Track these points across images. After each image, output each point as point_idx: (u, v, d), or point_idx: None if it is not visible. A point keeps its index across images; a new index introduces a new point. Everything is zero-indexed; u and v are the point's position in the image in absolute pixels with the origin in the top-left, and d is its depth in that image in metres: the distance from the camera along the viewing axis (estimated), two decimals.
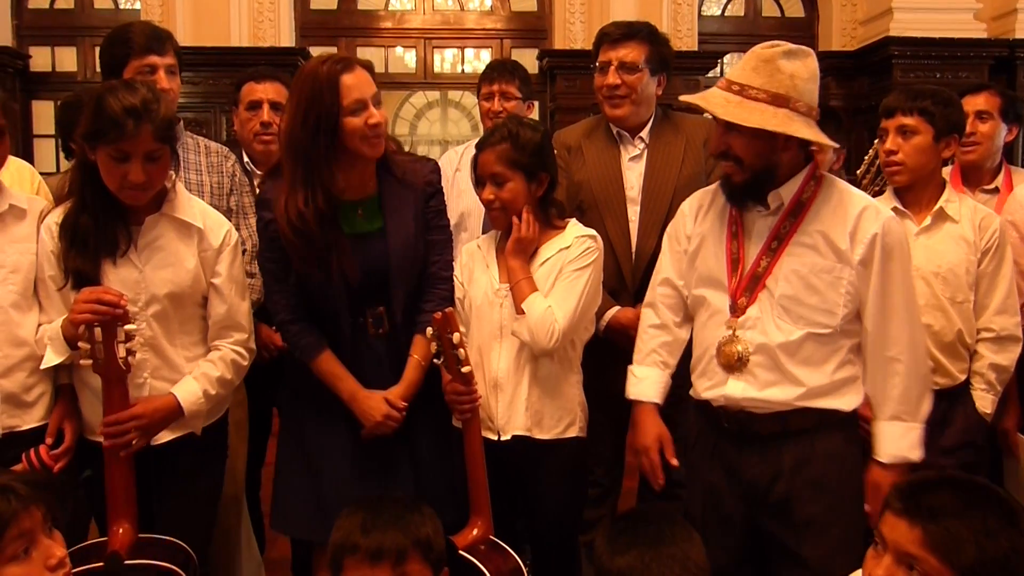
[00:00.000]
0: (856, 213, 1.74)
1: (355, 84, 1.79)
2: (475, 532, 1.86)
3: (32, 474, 1.34)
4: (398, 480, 1.95)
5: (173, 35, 2.31)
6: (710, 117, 1.83)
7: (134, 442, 1.77)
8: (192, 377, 1.87)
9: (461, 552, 1.81)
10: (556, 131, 2.61)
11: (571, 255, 1.99)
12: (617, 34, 2.38)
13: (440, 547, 1.52)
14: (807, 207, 1.77)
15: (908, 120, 2.16)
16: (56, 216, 1.85)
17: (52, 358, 1.79)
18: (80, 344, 1.69)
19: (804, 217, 1.77)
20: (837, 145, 1.81)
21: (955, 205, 2.20)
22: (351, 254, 1.87)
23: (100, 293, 1.69)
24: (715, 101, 1.72)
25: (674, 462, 1.95)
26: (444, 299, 1.99)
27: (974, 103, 2.60)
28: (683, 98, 1.85)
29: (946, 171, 2.84)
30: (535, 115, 5.21)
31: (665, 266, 2.00)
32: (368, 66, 1.87)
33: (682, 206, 2.00)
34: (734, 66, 1.79)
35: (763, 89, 1.69)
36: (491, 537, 1.88)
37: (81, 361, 1.70)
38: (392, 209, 1.92)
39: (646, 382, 1.99)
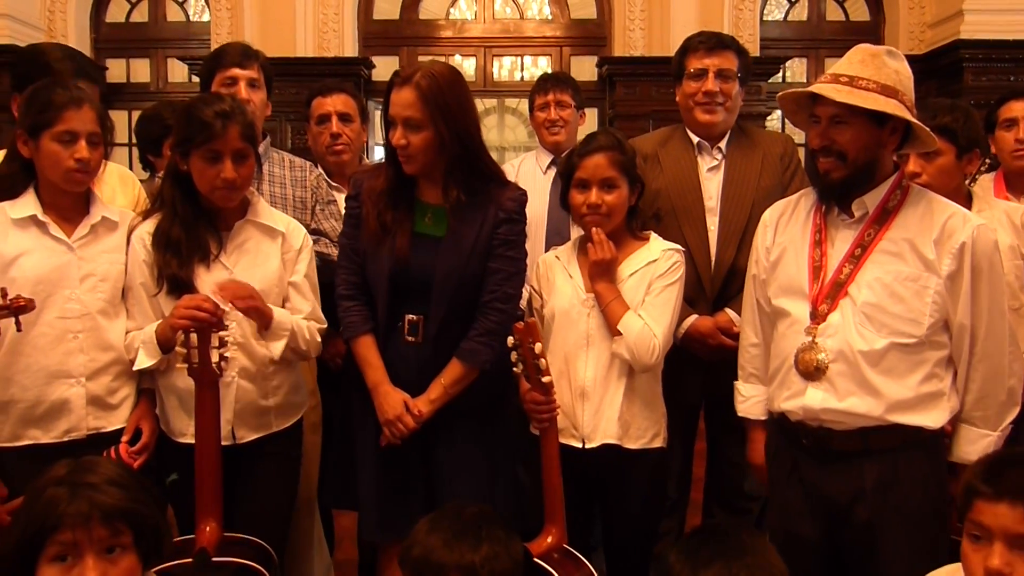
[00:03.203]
0: (942, 220, 1.71)
1: (392, 102, 1.89)
2: (549, 540, 1.88)
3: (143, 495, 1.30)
4: (422, 482, 1.96)
5: (262, 53, 2.42)
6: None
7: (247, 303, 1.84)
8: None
9: (535, 559, 1.83)
10: (630, 140, 2.63)
11: (659, 269, 2.00)
12: (712, 43, 2.41)
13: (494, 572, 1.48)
14: (893, 215, 1.75)
15: None
16: (148, 227, 1.94)
17: (144, 360, 1.88)
18: (177, 348, 1.77)
19: (889, 225, 1.74)
20: (936, 143, 1.79)
21: (988, 213, 2.13)
22: (408, 242, 1.92)
23: (200, 301, 1.77)
24: (827, 89, 1.72)
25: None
26: (491, 332, 1.93)
27: None
28: (781, 95, 1.85)
29: (988, 177, 2.76)
30: (592, 124, 5.27)
31: (754, 281, 2.00)
32: (426, 87, 1.87)
33: (763, 217, 1.99)
34: (837, 63, 1.78)
35: (872, 80, 1.70)
36: (565, 545, 1.89)
37: (177, 365, 1.78)
38: (458, 222, 1.93)
39: (751, 401, 2.01)
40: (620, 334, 1.95)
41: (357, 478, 2.02)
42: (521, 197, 2.00)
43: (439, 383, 1.93)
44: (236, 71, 2.33)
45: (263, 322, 1.89)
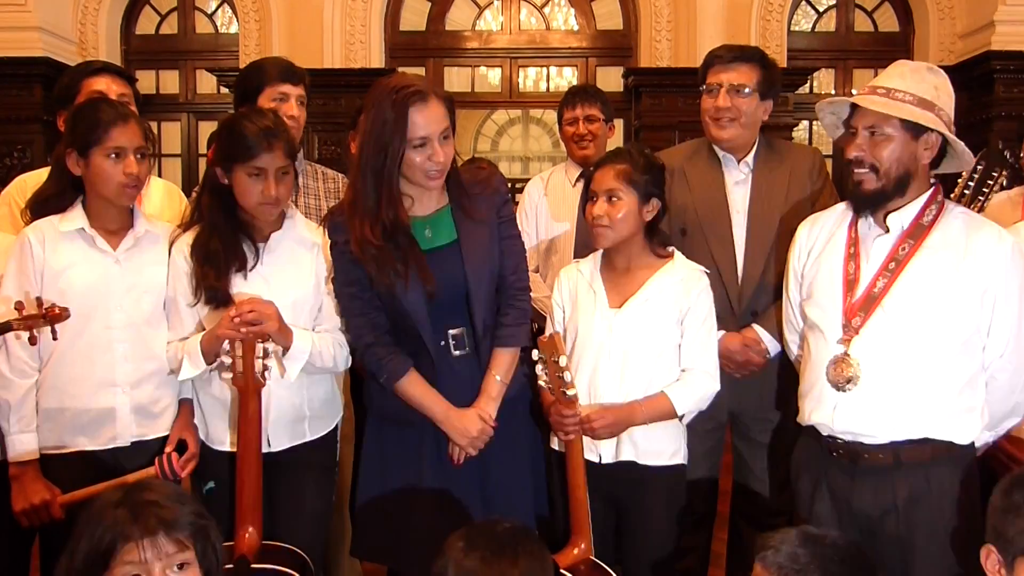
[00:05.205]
0: (977, 236, 1.72)
1: (424, 121, 1.76)
2: (576, 552, 1.88)
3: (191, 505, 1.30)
4: (479, 509, 1.92)
5: (305, 71, 2.43)
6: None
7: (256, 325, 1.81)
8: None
9: (563, 572, 1.83)
10: (656, 153, 2.62)
11: (690, 299, 2.01)
12: (728, 57, 2.37)
13: None
14: (927, 230, 1.76)
15: None
16: (188, 238, 1.97)
17: (189, 370, 1.91)
18: (222, 358, 1.80)
19: (923, 240, 1.75)
20: (973, 161, 1.80)
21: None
22: (428, 267, 1.85)
23: (257, 305, 1.81)
24: (863, 99, 1.74)
25: None
26: (522, 311, 1.96)
27: None
28: (820, 104, 1.85)
29: (1019, 192, 2.67)
30: (618, 135, 5.27)
31: (791, 300, 2.01)
32: (445, 97, 1.82)
33: (797, 231, 1.99)
34: (877, 77, 1.80)
35: (909, 92, 1.72)
36: (591, 558, 1.89)
37: (223, 374, 1.81)
38: (464, 221, 1.91)
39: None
40: (681, 415, 2.00)
41: (407, 522, 1.94)
42: (502, 175, 2.06)
43: (493, 378, 1.92)
44: (289, 88, 2.34)
45: (283, 344, 1.88)
